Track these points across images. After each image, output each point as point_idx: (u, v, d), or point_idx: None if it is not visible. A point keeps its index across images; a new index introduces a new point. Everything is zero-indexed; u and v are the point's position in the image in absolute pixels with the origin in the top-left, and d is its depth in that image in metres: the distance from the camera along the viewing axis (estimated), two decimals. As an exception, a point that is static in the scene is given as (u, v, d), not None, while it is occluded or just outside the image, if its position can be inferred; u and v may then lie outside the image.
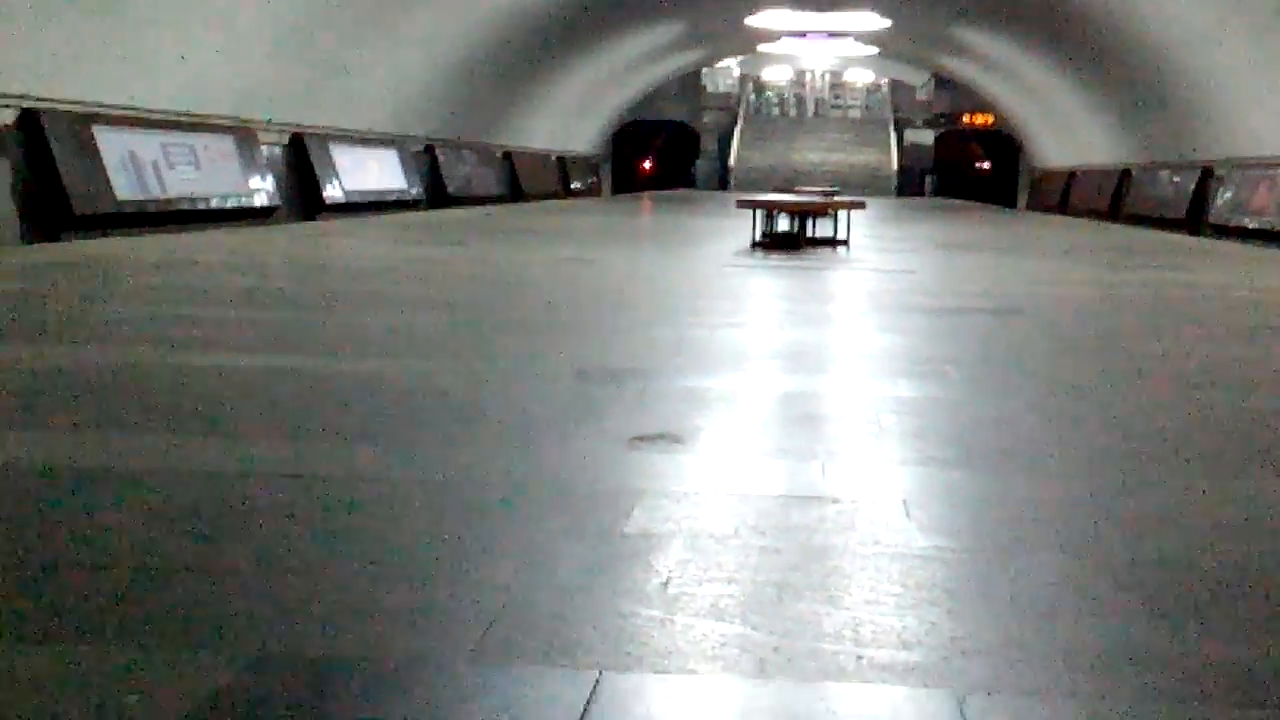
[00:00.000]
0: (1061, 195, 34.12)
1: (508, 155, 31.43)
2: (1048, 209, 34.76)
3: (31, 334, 6.88)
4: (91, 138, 14.63)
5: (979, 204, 40.29)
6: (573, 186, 37.62)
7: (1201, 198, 23.51)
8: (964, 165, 52.91)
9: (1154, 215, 25.47)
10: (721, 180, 49.61)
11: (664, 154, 53.01)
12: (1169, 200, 25.09)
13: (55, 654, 2.41)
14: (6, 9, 13.01)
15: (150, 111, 15.92)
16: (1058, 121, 34.32)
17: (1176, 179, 24.97)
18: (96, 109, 14.82)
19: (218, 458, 3.96)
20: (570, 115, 36.32)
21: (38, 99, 13.87)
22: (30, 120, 13.85)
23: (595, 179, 42.04)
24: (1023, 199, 42.04)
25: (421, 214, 23.04)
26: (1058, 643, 2.57)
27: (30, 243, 13.51)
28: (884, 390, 5.58)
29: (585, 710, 2.20)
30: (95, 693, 2.24)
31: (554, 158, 36.24)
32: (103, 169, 14.71)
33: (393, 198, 23.39)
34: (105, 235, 14.28)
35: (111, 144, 14.95)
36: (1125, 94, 27.17)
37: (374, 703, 2.22)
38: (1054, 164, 36.44)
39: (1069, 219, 29.01)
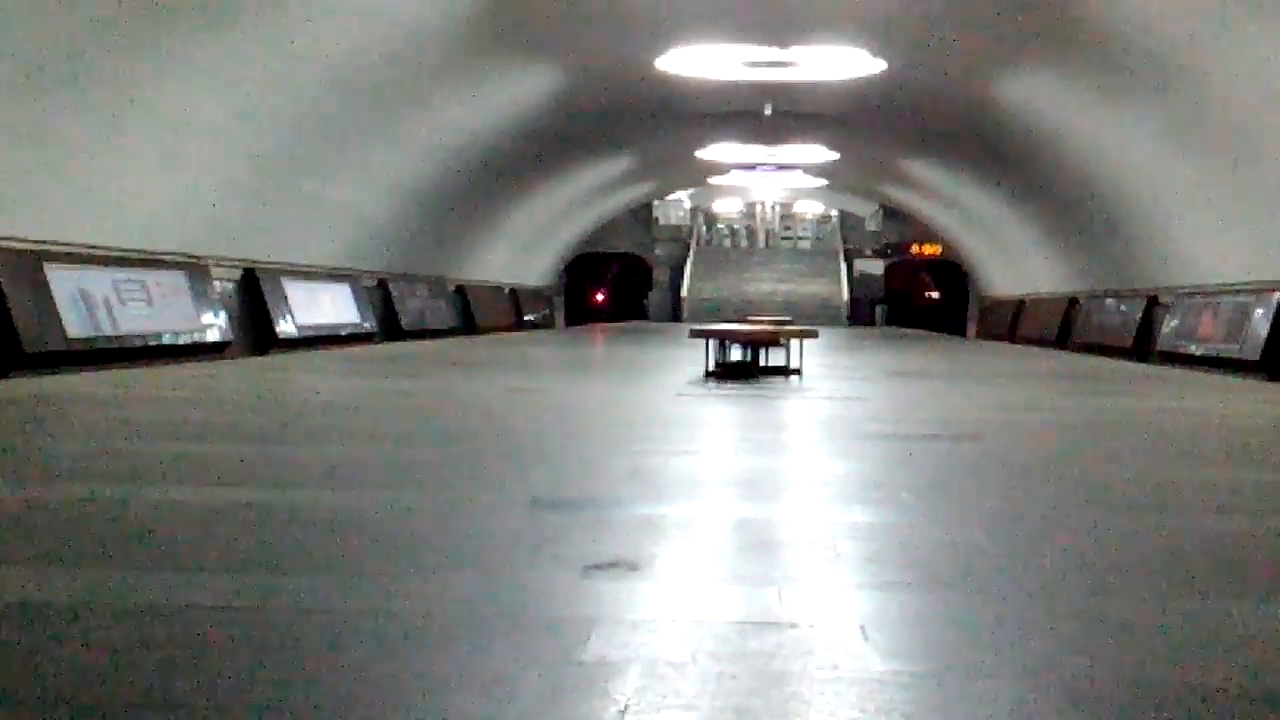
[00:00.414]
0: (1010, 323, 34.48)
1: (460, 289, 31.55)
2: (997, 337, 35.10)
3: (-21, 470, 6.80)
4: (42, 275, 14.59)
5: (929, 333, 40.67)
6: (526, 318, 37.76)
7: (1149, 325, 23.80)
8: (914, 295, 53.53)
9: (1102, 343, 25.75)
10: (674, 311, 49.94)
11: (617, 285, 53.39)
12: (1116, 328, 25.38)
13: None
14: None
15: (103, 248, 15.92)
16: (1005, 251, 34.81)
17: (1124, 307, 25.29)
18: (47, 246, 14.80)
19: (168, 591, 3.91)
20: (523, 248, 36.58)
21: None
22: (-20, 258, 13.81)
23: (548, 311, 42.23)
24: (972, 327, 42.45)
25: (376, 347, 23.05)
26: (1020, 765, 2.54)
27: (-21, 380, 13.40)
28: (839, 516, 5.58)
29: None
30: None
31: (507, 290, 36.41)
32: (54, 307, 14.66)
33: (346, 331, 23.40)
34: (55, 373, 14.19)
35: (62, 281, 14.92)
36: (1070, 223, 27.63)
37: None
38: (1002, 293, 36.88)
39: (1019, 347, 29.31)
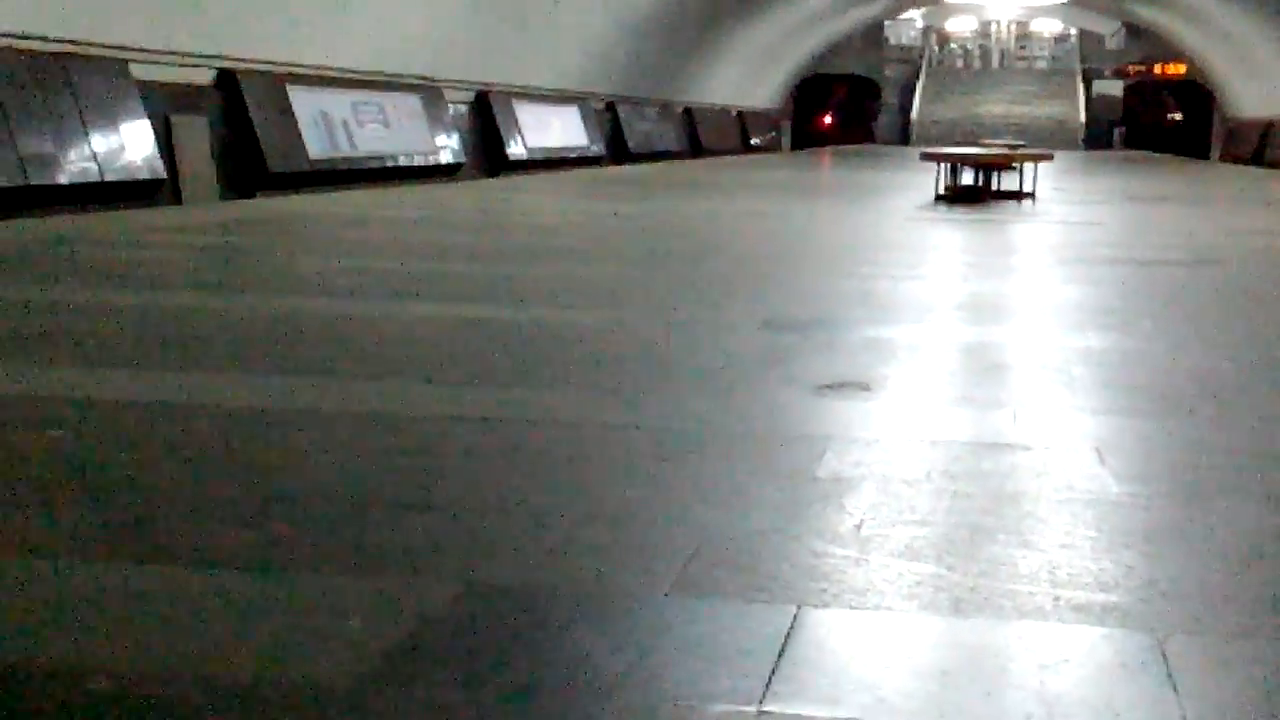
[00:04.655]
0: (1257, 146, 33.00)
1: (688, 111, 31.44)
2: (1243, 161, 33.66)
3: (238, 286, 7.13)
4: (286, 97, 15.01)
5: (1171, 156, 39.20)
6: (752, 142, 37.51)
7: None
8: (1155, 116, 51.48)
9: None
10: (903, 135, 48.99)
11: (845, 108, 52.51)
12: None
13: (279, 581, 2.54)
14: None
15: (342, 71, 16.26)
16: (1254, 70, 33.20)
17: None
18: (290, 69, 15.18)
19: (423, 403, 4.10)
20: (750, 70, 36.18)
21: (234, 59, 14.27)
22: (227, 80, 14.26)
23: (775, 134, 41.85)
24: (1216, 151, 40.78)
25: (604, 170, 23.19)
26: (1258, 586, 2.55)
27: (227, 199, 13.93)
28: (1073, 341, 5.52)
29: (785, 642, 2.25)
30: (319, 617, 2.35)
31: (734, 113, 36.16)
32: (296, 128, 15.10)
33: (575, 154, 23.60)
34: (298, 192, 14.66)
35: (305, 103, 15.33)
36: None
37: (578, 632, 2.30)
38: (1249, 114, 35.26)
39: (1265, 170, 28.08)
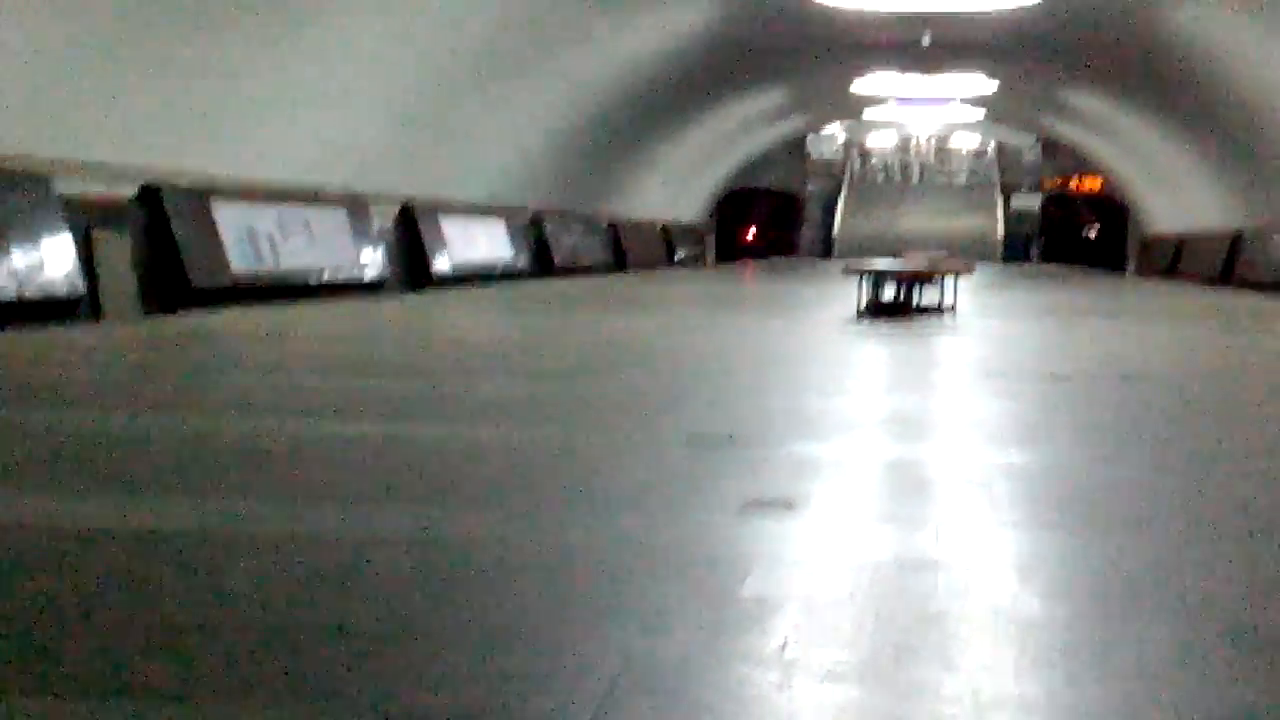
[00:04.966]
0: (1171, 260, 33.64)
1: (613, 225, 31.66)
2: (1158, 274, 34.29)
3: (161, 404, 7.04)
4: (209, 211, 14.95)
5: (1087, 269, 39.87)
6: (678, 256, 37.76)
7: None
8: (1072, 230, 52.40)
9: (1268, 280, 25.01)
10: (826, 248, 49.52)
11: (768, 222, 53.06)
12: (1284, 264, 24.63)
13: (194, 713, 2.48)
14: (125, 86, 13.39)
15: (267, 183, 16.24)
16: (1167, 185, 33.94)
17: (1292, 243, 24.52)
18: (214, 182, 15.14)
19: (341, 524, 4.05)
20: (675, 184, 36.54)
21: (157, 172, 14.23)
22: (150, 195, 14.20)
23: (700, 247, 42.18)
24: (1132, 264, 41.51)
25: (529, 284, 23.26)
26: (1182, 704, 2.55)
27: (150, 315, 13.82)
28: (995, 457, 5.56)
29: (707, 772, 2.22)
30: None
31: (659, 226, 36.45)
32: (220, 243, 15.03)
33: (500, 269, 23.63)
34: (221, 308, 14.57)
35: (229, 218, 15.27)
36: (1237, 155, 26.84)
37: (499, 763, 2.26)
38: (1163, 228, 36.00)
39: (1180, 284, 28.63)
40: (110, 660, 2.75)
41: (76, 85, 12.80)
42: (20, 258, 12.21)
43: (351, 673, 2.69)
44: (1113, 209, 46.11)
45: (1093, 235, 51.23)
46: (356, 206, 18.46)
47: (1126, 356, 10.62)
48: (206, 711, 2.48)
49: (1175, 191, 33.49)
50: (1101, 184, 45.80)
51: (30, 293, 12.24)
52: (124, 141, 13.76)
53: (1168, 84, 25.81)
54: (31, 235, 12.39)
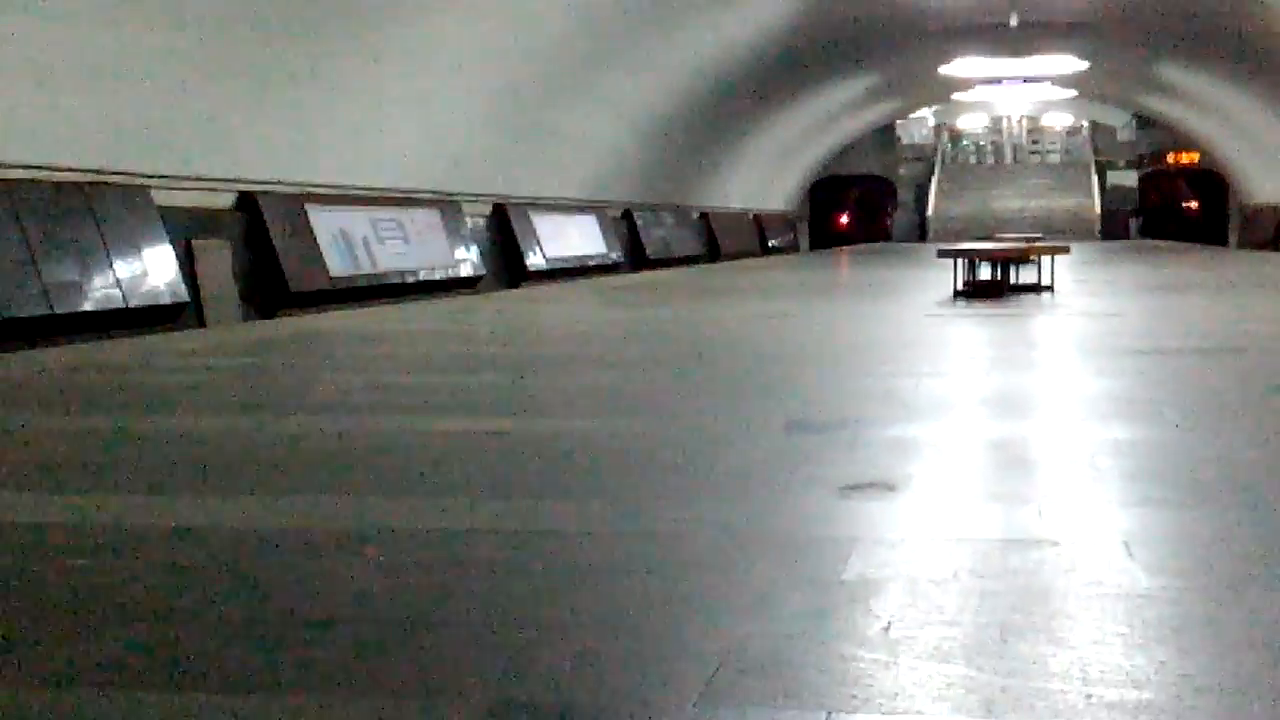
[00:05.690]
0: (1275, 231, 33.01)
1: (704, 216, 31.67)
2: (1260, 246, 33.66)
3: (259, 407, 7.15)
4: (306, 217, 15.17)
5: (1187, 244, 39.24)
6: (770, 244, 37.69)
7: None
8: (1170, 205, 51.60)
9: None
10: (919, 232, 49.17)
11: (860, 207, 52.78)
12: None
13: (306, 707, 2.52)
14: (223, 102, 13.61)
15: (361, 189, 16.45)
16: (1267, 156, 33.32)
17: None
18: (309, 189, 15.36)
19: (445, 517, 4.09)
20: (765, 173, 36.47)
21: (254, 181, 14.45)
22: (248, 202, 14.43)
23: (792, 235, 42.06)
24: (1233, 237, 40.80)
25: (622, 277, 23.32)
26: (1293, 679, 2.52)
27: (250, 320, 14.03)
28: (1098, 433, 5.50)
29: (815, 750, 2.23)
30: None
31: (750, 216, 36.39)
32: (317, 247, 15.24)
33: (593, 262, 23.75)
34: (319, 310, 14.76)
35: (325, 223, 15.48)
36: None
37: (608, 746, 2.28)
38: (1265, 199, 35.33)
39: (1284, 255, 28.10)
40: (221, 656, 2.80)
41: (175, 100, 13.03)
42: (124, 267, 12.46)
43: (457, 664, 2.73)
44: (1212, 182, 45.36)
45: (1193, 208, 50.42)
46: (449, 207, 18.64)
47: (1231, 331, 10.45)
48: (323, 703, 2.53)
49: (1275, 162, 32.85)
50: (1199, 157, 45.05)
51: (136, 300, 12.50)
52: (221, 153, 13.99)
53: (1263, 53, 25.33)
54: (135, 246, 12.65)
